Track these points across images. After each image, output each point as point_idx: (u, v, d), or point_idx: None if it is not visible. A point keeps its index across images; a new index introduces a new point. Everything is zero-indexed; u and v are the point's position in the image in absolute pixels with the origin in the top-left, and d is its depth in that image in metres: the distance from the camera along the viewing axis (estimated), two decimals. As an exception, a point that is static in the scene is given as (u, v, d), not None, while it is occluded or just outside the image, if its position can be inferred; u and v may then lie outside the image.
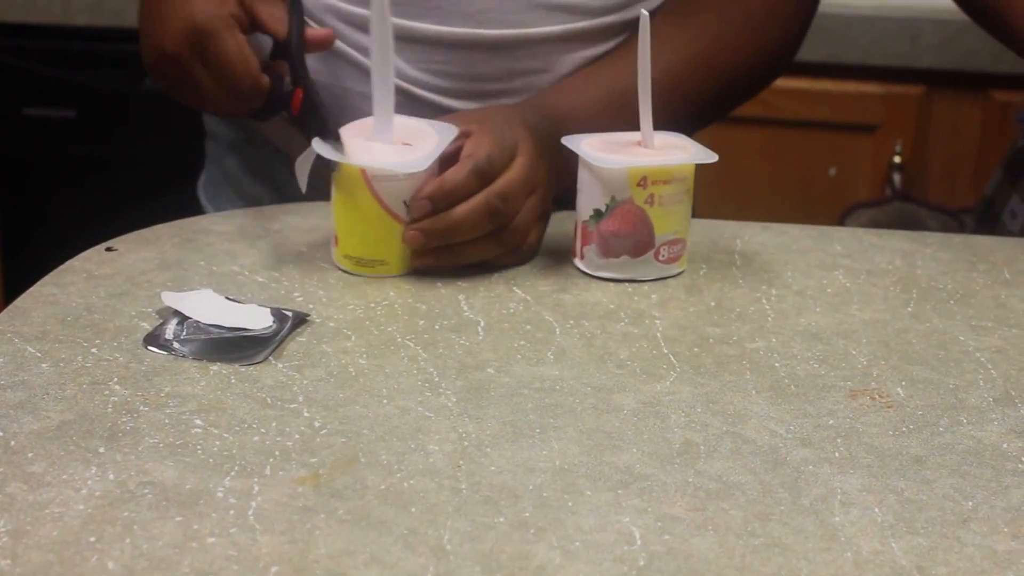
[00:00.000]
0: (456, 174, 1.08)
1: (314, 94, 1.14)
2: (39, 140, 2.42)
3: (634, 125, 1.13)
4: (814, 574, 0.74)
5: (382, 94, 1.11)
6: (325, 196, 1.14)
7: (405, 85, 1.26)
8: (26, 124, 2.42)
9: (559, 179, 1.18)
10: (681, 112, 1.20)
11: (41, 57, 2.37)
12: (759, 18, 1.31)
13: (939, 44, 2.26)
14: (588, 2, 1.26)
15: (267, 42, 1.18)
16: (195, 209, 1.44)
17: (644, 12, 1.08)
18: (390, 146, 1.11)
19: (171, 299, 1.02)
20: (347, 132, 1.12)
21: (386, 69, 1.10)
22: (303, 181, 1.11)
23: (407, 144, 1.11)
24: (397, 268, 1.12)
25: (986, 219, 1.52)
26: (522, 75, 1.26)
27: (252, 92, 1.15)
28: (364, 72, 1.25)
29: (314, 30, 1.19)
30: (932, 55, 2.27)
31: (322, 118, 1.12)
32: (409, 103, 1.26)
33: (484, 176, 1.09)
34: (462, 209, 1.08)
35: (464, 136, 1.12)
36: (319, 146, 1.10)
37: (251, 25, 1.16)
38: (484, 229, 1.10)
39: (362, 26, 1.24)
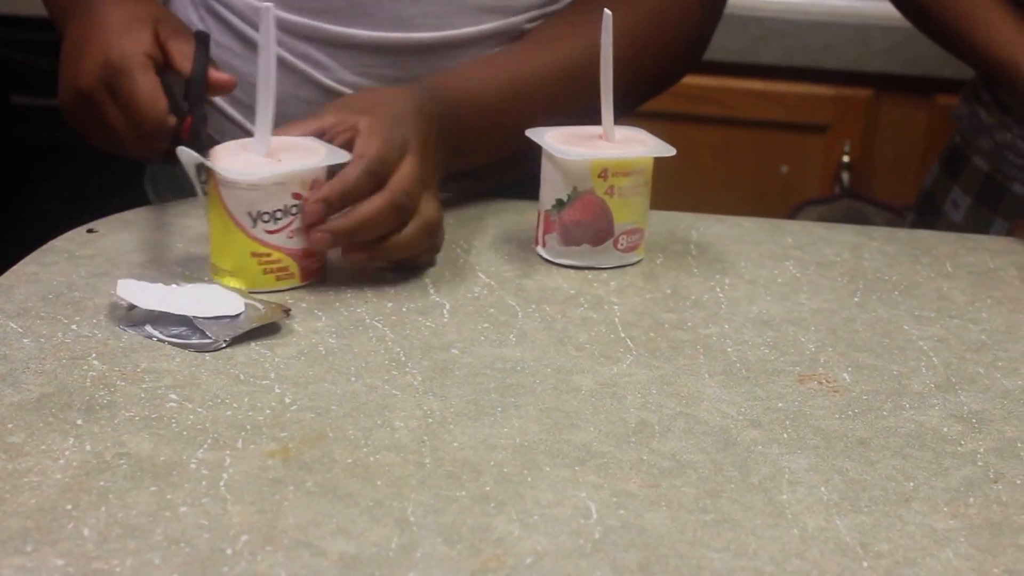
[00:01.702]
0: (349, 175, 1.03)
1: (201, 123, 1.09)
2: (26, 127, 2.40)
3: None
4: (762, 549, 0.74)
5: (264, 107, 1.05)
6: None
7: (344, 90, 1.24)
8: (14, 112, 2.40)
9: (448, 161, 1.14)
10: (583, 104, 1.17)
11: (29, 47, 2.35)
12: (666, 16, 1.28)
13: (888, 50, 2.26)
14: (513, 2, 1.24)
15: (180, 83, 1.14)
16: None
17: (607, 11, 1.08)
18: (257, 157, 1.04)
19: (127, 290, 0.99)
20: (225, 145, 1.08)
21: (269, 83, 1.04)
22: (193, 177, 1.05)
23: (278, 160, 1.04)
24: (242, 281, 1.04)
25: (927, 211, 1.52)
26: None
27: (155, 133, 1.10)
28: (303, 78, 1.24)
29: (218, 73, 1.13)
30: (881, 60, 2.27)
31: (202, 143, 1.06)
32: None
33: (377, 176, 1.04)
34: (368, 206, 1.03)
35: (351, 130, 1.07)
36: (184, 153, 1.02)
37: (165, 64, 1.12)
38: (391, 225, 1.04)
39: (299, 33, 1.22)
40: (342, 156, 1.04)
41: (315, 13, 1.22)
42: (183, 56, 1.12)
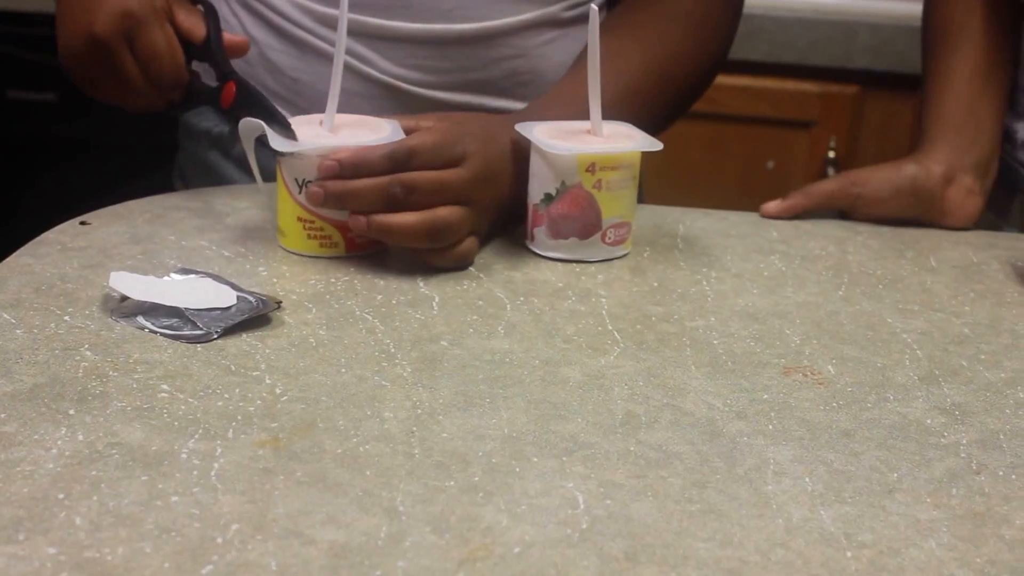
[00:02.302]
0: (371, 151, 1.04)
1: (247, 85, 1.12)
2: (21, 121, 2.40)
3: None
4: (747, 539, 0.74)
5: (333, 85, 1.07)
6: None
7: (392, 81, 1.25)
8: (9, 106, 2.40)
9: (516, 206, 1.14)
10: (643, 121, 1.18)
11: (23, 42, 2.35)
12: (700, 23, 1.29)
13: (873, 47, 2.26)
14: None
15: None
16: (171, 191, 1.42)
17: (593, 7, 1.08)
18: (313, 129, 1.08)
19: (119, 282, 0.99)
20: (308, 118, 1.11)
21: (339, 63, 1.07)
22: (249, 151, 1.10)
23: (335, 135, 1.08)
24: (290, 242, 1.10)
25: None
26: (499, 62, 1.26)
27: (175, 84, 1.13)
28: (349, 71, 1.24)
29: (231, 36, 1.16)
30: (866, 57, 2.27)
31: (266, 106, 1.09)
32: (399, 98, 1.24)
33: (397, 164, 1.04)
34: (363, 181, 1.04)
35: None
36: (247, 125, 1.07)
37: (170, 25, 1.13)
38: (377, 207, 1.04)
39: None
40: (398, 135, 1.07)
41: (356, 7, 1.23)
42: (190, 23, 1.14)
